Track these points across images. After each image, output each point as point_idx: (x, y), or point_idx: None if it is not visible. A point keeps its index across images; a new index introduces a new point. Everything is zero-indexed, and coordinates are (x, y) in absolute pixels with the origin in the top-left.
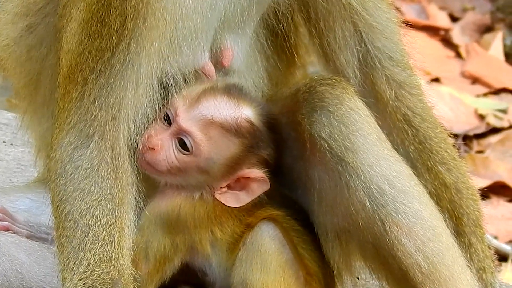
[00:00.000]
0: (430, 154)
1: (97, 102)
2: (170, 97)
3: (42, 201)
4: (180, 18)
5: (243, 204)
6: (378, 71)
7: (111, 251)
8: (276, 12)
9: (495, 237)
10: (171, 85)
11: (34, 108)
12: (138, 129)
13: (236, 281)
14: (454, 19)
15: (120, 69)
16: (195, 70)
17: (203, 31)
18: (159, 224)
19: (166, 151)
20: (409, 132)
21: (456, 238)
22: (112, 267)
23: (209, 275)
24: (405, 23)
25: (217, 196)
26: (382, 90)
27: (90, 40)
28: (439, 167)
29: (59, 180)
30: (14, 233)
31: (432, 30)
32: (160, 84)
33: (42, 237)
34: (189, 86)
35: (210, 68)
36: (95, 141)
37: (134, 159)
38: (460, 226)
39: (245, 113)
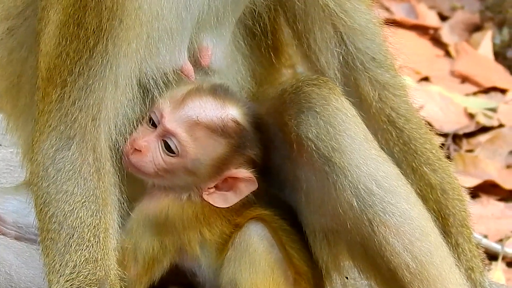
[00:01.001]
0: (415, 155)
1: (77, 103)
2: (151, 98)
3: (31, 202)
4: (156, 19)
5: (231, 205)
6: (360, 72)
7: (96, 251)
8: (253, 12)
9: (485, 236)
10: (151, 85)
11: (17, 111)
12: (119, 130)
13: (225, 281)
14: (443, 18)
15: (99, 70)
16: (174, 70)
17: (179, 32)
18: (147, 226)
19: (152, 153)
20: (394, 133)
21: (443, 238)
22: (98, 267)
23: (199, 276)
24: (394, 23)
25: (205, 197)
26: (365, 91)
27: (68, 42)
28: (424, 168)
29: (41, 183)
30: (3, 234)
31: (421, 29)
32: (141, 84)
33: (31, 238)
34: (174, 88)
35: (189, 68)
36: (76, 143)
37: (116, 160)
38: (447, 226)
39: (231, 113)
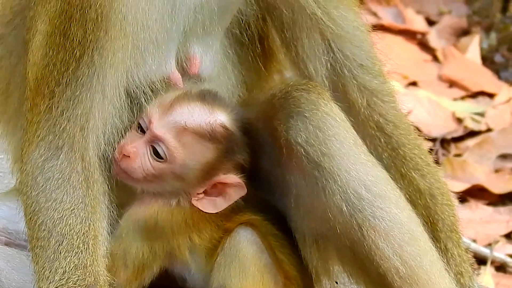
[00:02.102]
0: (403, 160)
1: (65, 114)
2: (139, 107)
3: (21, 208)
4: (141, 29)
5: (220, 210)
6: (348, 79)
7: (86, 258)
8: (241, 21)
9: (474, 241)
10: (139, 94)
11: (7, 118)
12: (108, 139)
13: (215, 287)
14: (430, 22)
15: (86, 81)
16: (162, 79)
17: (165, 41)
18: (137, 231)
19: (141, 159)
20: (382, 139)
21: (432, 243)
22: (87, 273)
23: (189, 281)
24: (382, 28)
25: (194, 202)
26: (353, 98)
27: (54, 52)
28: (413, 174)
29: (30, 192)
30: None
31: (409, 34)
32: (128, 94)
33: (21, 244)
34: (163, 94)
35: (177, 76)
36: (65, 152)
37: (105, 169)
38: (436, 231)
39: (220, 118)
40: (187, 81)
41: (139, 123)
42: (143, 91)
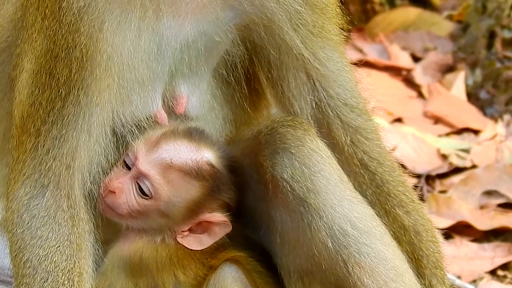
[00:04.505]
0: (387, 197)
1: (51, 152)
2: (126, 145)
3: (6, 244)
4: (127, 69)
5: (205, 247)
6: (332, 117)
7: None
8: (227, 62)
9: (459, 277)
10: (126, 133)
11: None
12: (93, 178)
13: None
14: (416, 59)
15: (72, 120)
16: (148, 118)
17: (151, 81)
18: (122, 268)
19: (126, 195)
20: (366, 177)
21: (417, 280)
22: None
23: None
24: (367, 64)
25: (179, 240)
26: (337, 135)
27: (40, 91)
28: (397, 210)
29: (16, 230)
30: None
31: (394, 70)
32: (115, 132)
33: (6, 280)
34: (149, 131)
35: (163, 115)
36: (51, 190)
37: (90, 208)
38: (420, 268)
39: (206, 156)
40: (173, 120)
41: (125, 160)
42: (129, 130)
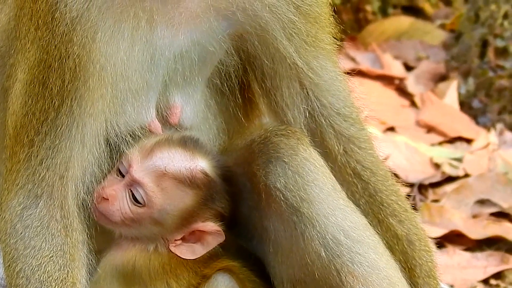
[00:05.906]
0: (380, 206)
1: (44, 163)
2: (119, 155)
3: (0, 254)
4: (120, 80)
5: (198, 256)
6: (325, 127)
7: None
8: (221, 72)
9: (451, 286)
10: (119, 143)
11: None
12: (87, 188)
13: None
14: (408, 68)
15: (65, 130)
16: (141, 128)
17: (144, 91)
18: (114, 276)
19: (119, 202)
20: (359, 186)
21: None
22: None
23: None
24: (360, 73)
25: (172, 249)
26: (330, 145)
27: (33, 101)
28: (390, 220)
29: (9, 240)
30: None
31: (386, 79)
32: (108, 142)
33: None
34: (144, 139)
35: (157, 125)
36: (44, 201)
37: (83, 218)
38: (413, 277)
39: (200, 164)
40: (168, 130)
41: (118, 167)
42: (123, 140)
